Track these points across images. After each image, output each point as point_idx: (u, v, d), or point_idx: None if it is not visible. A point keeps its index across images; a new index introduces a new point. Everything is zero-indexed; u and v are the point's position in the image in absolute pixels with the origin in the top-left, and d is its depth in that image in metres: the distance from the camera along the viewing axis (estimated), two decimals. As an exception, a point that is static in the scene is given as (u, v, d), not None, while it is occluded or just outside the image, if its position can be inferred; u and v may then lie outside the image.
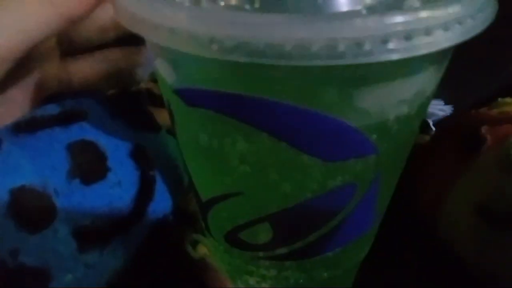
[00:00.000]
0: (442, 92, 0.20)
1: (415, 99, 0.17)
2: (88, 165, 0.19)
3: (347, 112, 0.16)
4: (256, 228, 0.21)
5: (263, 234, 0.21)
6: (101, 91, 0.23)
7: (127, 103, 0.23)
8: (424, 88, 0.17)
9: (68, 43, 0.23)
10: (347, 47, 0.12)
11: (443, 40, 0.13)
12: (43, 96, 0.21)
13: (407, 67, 0.16)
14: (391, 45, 0.13)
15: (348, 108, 0.16)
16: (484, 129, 0.26)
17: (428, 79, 0.17)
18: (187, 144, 0.20)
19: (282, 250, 0.22)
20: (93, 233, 0.19)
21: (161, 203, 0.22)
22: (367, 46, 0.13)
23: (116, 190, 0.20)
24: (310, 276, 0.24)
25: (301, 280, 0.24)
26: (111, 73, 0.23)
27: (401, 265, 0.29)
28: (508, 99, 0.29)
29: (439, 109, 0.40)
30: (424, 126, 0.36)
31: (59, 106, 0.21)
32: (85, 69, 0.23)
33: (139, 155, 0.21)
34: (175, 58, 0.16)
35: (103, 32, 0.22)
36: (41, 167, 0.18)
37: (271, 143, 0.16)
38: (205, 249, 0.27)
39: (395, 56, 0.13)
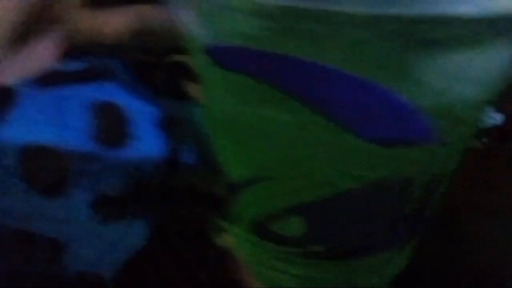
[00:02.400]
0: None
1: (485, 80, 0.14)
2: (112, 129, 0.17)
3: (407, 86, 0.13)
4: (288, 219, 0.18)
5: (296, 227, 0.19)
6: (131, 53, 0.21)
7: (156, 69, 0.21)
8: (497, 70, 0.14)
9: None
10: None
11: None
12: (69, 49, 0.20)
13: (481, 38, 0.13)
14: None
15: (409, 81, 0.13)
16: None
17: (503, 60, 0.14)
18: (218, 117, 0.17)
19: (316, 248, 0.19)
20: (113, 204, 0.17)
21: (186, 177, 0.20)
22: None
23: (140, 159, 0.18)
24: (343, 280, 0.21)
25: (331, 284, 0.22)
26: (140, 30, 0.21)
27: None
28: None
29: (489, 116, 0.35)
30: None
31: (84, 62, 0.19)
32: (114, 22, 0.21)
33: (166, 124, 0.19)
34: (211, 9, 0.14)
35: None
36: (60, 126, 0.17)
37: (317, 119, 0.14)
38: (229, 238, 0.25)
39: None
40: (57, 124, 0.16)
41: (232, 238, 0.24)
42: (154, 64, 0.22)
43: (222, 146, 0.19)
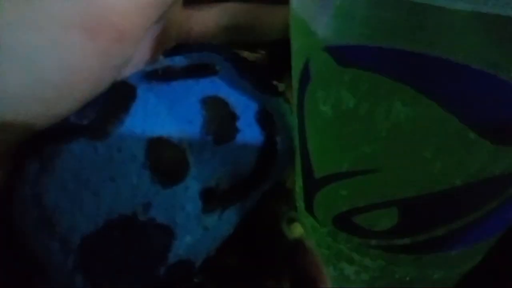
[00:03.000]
0: None
1: None
2: (221, 123, 0.18)
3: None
4: (379, 212, 0.19)
5: (386, 220, 0.19)
6: (228, 46, 0.21)
7: (250, 63, 0.21)
8: None
9: None
10: None
11: None
12: (164, 46, 0.20)
13: None
14: None
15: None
16: None
17: None
18: (319, 110, 0.18)
19: (401, 241, 0.20)
20: (216, 195, 0.18)
21: (277, 172, 0.20)
22: None
23: (242, 153, 0.18)
24: (420, 274, 0.22)
25: (408, 278, 0.22)
26: (229, 28, 0.22)
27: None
28: None
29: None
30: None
31: (187, 58, 0.20)
32: (205, 20, 0.22)
33: (265, 119, 0.19)
34: (347, 8, 0.14)
35: None
36: (177, 119, 0.17)
37: (437, 113, 0.14)
38: (301, 229, 0.25)
39: None
40: (174, 117, 0.17)
41: (304, 229, 0.25)
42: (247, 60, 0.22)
43: (317, 139, 0.19)
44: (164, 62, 0.19)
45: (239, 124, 0.19)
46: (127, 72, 0.18)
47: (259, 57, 0.25)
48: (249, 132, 0.19)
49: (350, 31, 0.14)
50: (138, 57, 0.19)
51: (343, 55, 0.15)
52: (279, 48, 0.25)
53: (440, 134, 0.15)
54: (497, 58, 0.13)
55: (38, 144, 0.16)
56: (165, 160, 0.16)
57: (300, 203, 0.24)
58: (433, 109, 0.14)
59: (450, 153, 0.15)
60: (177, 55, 0.20)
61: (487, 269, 0.23)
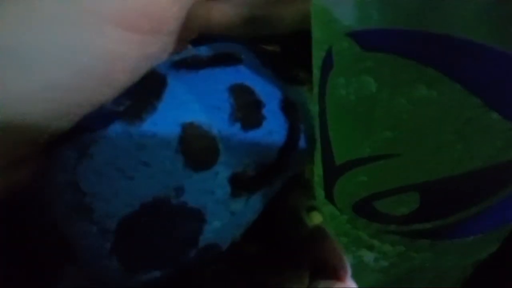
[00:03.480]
0: None
1: None
2: (248, 111, 0.19)
3: None
4: (399, 197, 0.19)
5: (406, 205, 0.19)
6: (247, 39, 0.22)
7: (271, 53, 0.22)
8: None
9: None
10: None
11: None
12: (186, 37, 0.21)
13: None
14: None
15: None
16: None
17: None
18: (341, 96, 0.18)
19: (421, 226, 0.20)
20: (244, 181, 0.18)
21: (299, 160, 0.21)
22: None
23: (268, 140, 0.19)
24: (436, 260, 0.22)
25: (427, 264, 0.23)
26: (248, 19, 0.22)
27: None
28: None
29: None
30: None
31: (211, 48, 0.20)
32: (225, 11, 0.22)
33: (288, 107, 0.20)
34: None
35: None
36: (207, 106, 0.18)
37: (460, 96, 0.14)
38: (320, 217, 0.25)
39: None
40: (204, 104, 0.18)
41: (323, 218, 0.25)
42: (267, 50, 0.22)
43: (339, 126, 0.20)
44: (190, 51, 0.20)
45: (265, 111, 0.19)
46: (156, 61, 0.19)
47: (279, 50, 0.26)
48: (274, 119, 0.19)
49: (373, 15, 0.15)
50: (160, 49, 0.20)
51: (366, 39, 0.15)
52: (293, 41, 0.25)
53: (462, 116, 0.15)
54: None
55: (74, 132, 0.17)
56: (197, 146, 0.17)
57: (320, 192, 0.25)
58: (456, 90, 0.14)
59: (471, 135, 0.16)
60: (201, 45, 0.20)
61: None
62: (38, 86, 0.16)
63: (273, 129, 0.19)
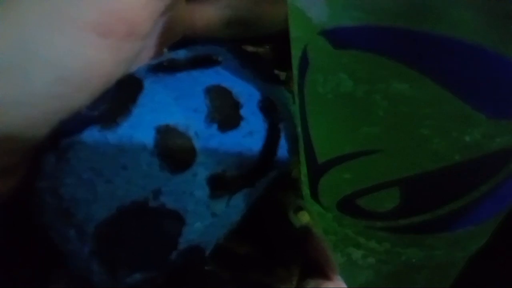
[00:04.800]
0: None
1: None
2: (225, 112, 0.19)
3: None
4: (381, 193, 0.19)
5: (389, 201, 0.19)
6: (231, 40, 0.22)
7: (252, 54, 0.22)
8: None
9: None
10: None
11: None
12: (169, 41, 0.21)
13: None
14: None
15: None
16: None
17: None
18: (319, 94, 0.18)
19: (405, 221, 0.20)
20: (223, 181, 0.18)
21: (282, 159, 0.21)
22: None
23: (247, 141, 0.19)
24: (426, 255, 0.22)
25: (414, 259, 0.23)
26: (233, 21, 0.22)
27: None
28: None
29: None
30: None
31: (190, 51, 0.20)
32: (209, 14, 0.22)
33: (268, 107, 0.20)
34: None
35: None
36: (183, 108, 0.18)
37: (433, 90, 0.14)
38: (308, 217, 0.25)
39: None
40: (181, 107, 0.18)
41: (311, 217, 0.25)
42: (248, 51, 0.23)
43: (318, 124, 0.20)
44: (168, 55, 0.20)
45: (243, 112, 0.19)
46: (135, 66, 0.19)
47: (264, 51, 0.26)
48: (253, 120, 0.19)
49: (343, 13, 0.15)
50: (146, 52, 0.20)
51: (338, 37, 0.15)
52: (282, 41, 0.25)
53: (437, 110, 0.15)
54: (485, 32, 0.13)
55: (54, 138, 0.17)
56: (173, 148, 0.17)
57: (306, 191, 0.25)
58: (429, 85, 0.14)
59: (447, 129, 0.16)
60: (181, 49, 0.21)
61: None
62: (17, 94, 0.16)
63: (252, 129, 0.19)
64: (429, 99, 0.15)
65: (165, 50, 0.21)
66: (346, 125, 0.18)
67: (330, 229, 0.24)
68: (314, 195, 0.23)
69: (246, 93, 0.20)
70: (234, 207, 0.20)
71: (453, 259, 0.23)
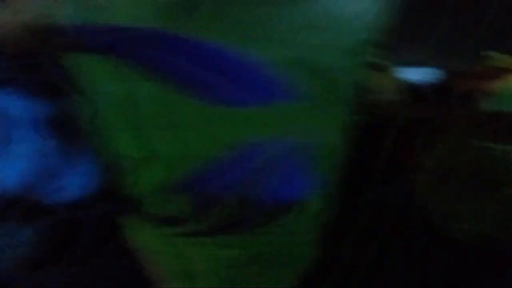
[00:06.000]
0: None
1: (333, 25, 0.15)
2: None
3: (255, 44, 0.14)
4: (173, 198, 0.18)
5: (179, 205, 0.19)
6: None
7: (35, 68, 0.20)
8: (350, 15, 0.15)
9: None
10: None
11: None
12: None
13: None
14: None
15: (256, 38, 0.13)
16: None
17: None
18: (107, 101, 0.17)
19: (197, 226, 0.19)
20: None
21: (77, 180, 0.19)
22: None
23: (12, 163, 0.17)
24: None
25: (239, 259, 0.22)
26: (31, 27, 0.20)
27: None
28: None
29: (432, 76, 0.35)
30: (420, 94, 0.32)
31: None
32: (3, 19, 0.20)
33: (52, 123, 0.18)
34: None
35: None
36: None
37: (173, 91, 0.14)
38: (144, 236, 0.24)
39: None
40: None
41: (138, 235, 0.24)
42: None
43: (114, 130, 0.18)
44: None
45: (13, 133, 0.18)
46: None
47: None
48: (25, 141, 0.18)
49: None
50: None
51: (85, 39, 0.15)
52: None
53: (186, 112, 0.15)
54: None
55: None
56: None
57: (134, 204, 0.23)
58: (166, 88, 0.14)
59: (202, 128, 0.15)
60: None
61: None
62: None
63: (21, 150, 0.18)
64: (165, 99, 0.14)
65: None
66: (133, 131, 0.17)
67: (148, 241, 0.23)
68: (136, 206, 0.22)
69: (20, 112, 0.18)
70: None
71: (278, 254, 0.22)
